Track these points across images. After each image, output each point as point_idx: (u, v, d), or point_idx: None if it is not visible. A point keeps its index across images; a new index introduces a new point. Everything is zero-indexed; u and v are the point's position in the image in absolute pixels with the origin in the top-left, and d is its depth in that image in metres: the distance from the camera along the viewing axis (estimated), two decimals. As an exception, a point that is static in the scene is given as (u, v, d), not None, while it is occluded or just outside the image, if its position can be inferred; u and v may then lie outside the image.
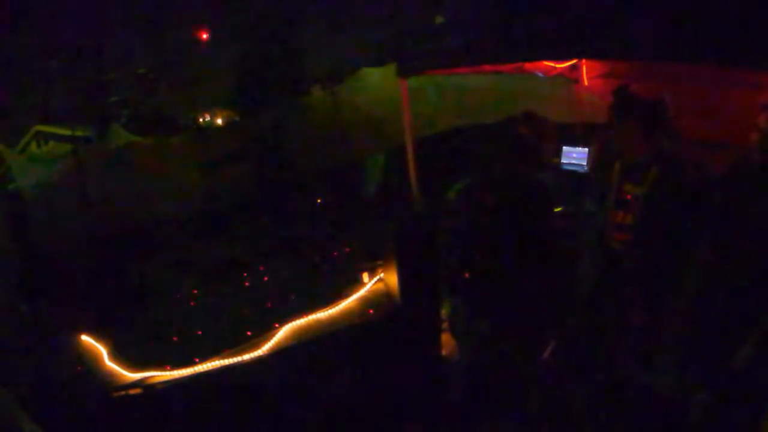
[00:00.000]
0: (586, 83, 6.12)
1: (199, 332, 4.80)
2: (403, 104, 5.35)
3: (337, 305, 4.81)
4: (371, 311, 4.75)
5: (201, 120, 22.16)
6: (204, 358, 4.18)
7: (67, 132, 18.15)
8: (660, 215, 3.34)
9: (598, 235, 3.71)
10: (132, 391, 3.91)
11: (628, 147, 3.50)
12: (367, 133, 8.24)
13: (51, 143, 20.43)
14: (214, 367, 4.11)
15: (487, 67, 5.68)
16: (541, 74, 5.88)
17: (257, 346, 4.32)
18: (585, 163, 6.30)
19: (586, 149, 6.29)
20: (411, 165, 5.44)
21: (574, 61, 5.87)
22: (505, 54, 4.94)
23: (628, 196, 3.50)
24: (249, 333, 4.56)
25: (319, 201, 8.43)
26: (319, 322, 4.66)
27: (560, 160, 6.52)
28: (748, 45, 4.07)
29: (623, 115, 3.47)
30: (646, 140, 3.42)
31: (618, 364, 3.70)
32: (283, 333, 4.50)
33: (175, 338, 4.71)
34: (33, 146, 21.11)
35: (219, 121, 21.59)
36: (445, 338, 4.68)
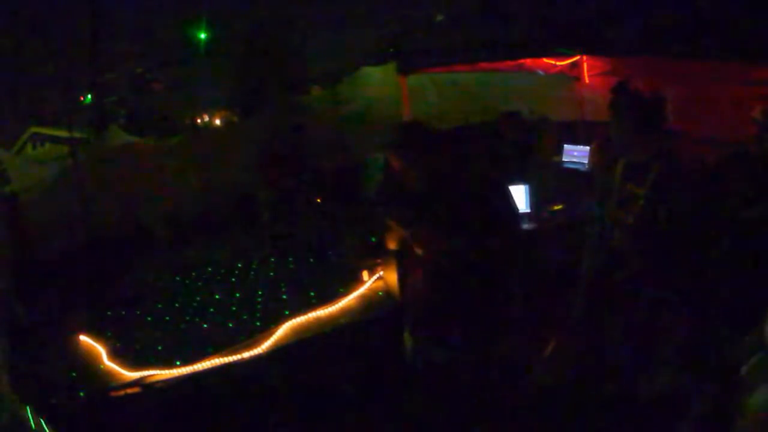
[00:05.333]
0: (587, 81, 6.13)
1: (199, 331, 4.77)
2: (403, 103, 5.34)
3: (336, 303, 4.78)
4: (371, 308, 4.72)
5: (199, 121, 22.14)
6: (203, 357, 4.15)
7: (63, 133, 18.12)
8: (659, 215, 3.31)
9: (599, 234, 3.67)
10: (131, 390, 3.87)
11: (629, 146, 3.43)
12: (367, 132, 8.19)
13: (47, 145, 20.36)
14: (213, 365, 4.07)
15: (488, 65, 5.67)
16: (541, 72, 5.88)
17: (256, 344, 4.28)
18: (586, 162, 6.30)
19: (587, 147, 6.29)
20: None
21: (575, 58, 5.88)
22: (505, 51, 4.93)
23: (629, 196, 3.46)
24: (248, 331, 4.54)
25: (318, 200, 8.39)
26: (318, 319, 4.63)
27: (561, 158, 6.53)
28: (746, 40, 4.06)
29: (624, 114, 3.39)
30: (648, 139, 3.36)
31: (616, 365, 3.68)
32: (282, 331, 4.46)
33: (174, 337, 4.68)
34: (28, 148, 21.03)
35: (217, 122, 21.55)
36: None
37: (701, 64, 4.70)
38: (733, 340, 2.91)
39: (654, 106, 3.38)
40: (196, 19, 17.66)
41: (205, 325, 4.84)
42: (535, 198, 5.32)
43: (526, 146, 6.20)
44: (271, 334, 4.39)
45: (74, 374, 4.25)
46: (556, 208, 5.28)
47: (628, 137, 3.39)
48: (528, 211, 5.30)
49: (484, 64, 5.57)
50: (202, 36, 17.33)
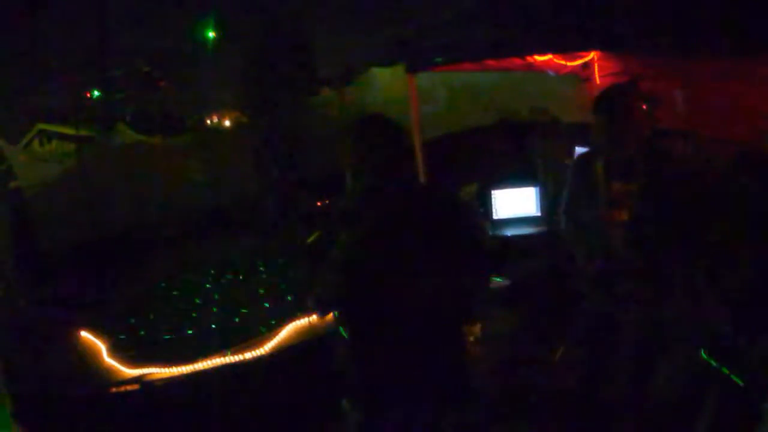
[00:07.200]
0: (598, 82, 6.02)
1: (201, 330, 4.72)
2: (411, 103, 5.26)
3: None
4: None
5: (208, 121, 22.06)
6: (204, 356, 4.09)
7: (70, 131, 18.13)
8: (657, 208, 3.26)
9: (592, 234, 3.61)
10: (130, 388, 3.82)
11: (609, 144, 3.36)
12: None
13: (54, 142, 20.39)
14: (214, 365, 4.01)
15: (496, 64, 5.58)
16: (552, 72, 5.80)
17: (259, 344, 4.22)
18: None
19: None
20: (420, 165, 5.34)
21: (586, 59, 5.78)
22: (515, 47, 4.85)
23: (619, 194, 3.40)
24: (251, 331, 4.48)
25: (327, 201, 8.33)
26: (323, 321, 4.55)
27: (573, 160, 6.43)
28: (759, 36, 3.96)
29: (595, 113, 3.35)
30: (626, 135, 3.30)
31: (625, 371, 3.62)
32: (285, 332, 4.40)
33: (175, 336, 4.63)
34: (35, 145, 21.04)
35: (227, 123, 21.46)
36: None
37: (715, 65, 4.60)
38: (747, 343, 2.83)
39: (621, 98, 3.36)
40: (204, 18, 17.64)
41: (207, 325, 4.79)
42: (545, 200, 5.24)
43: (527, 149, 6.11)
44: (274, 335, 4.33)
45: (74, 371, 4.21)
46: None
47: (601, 135, 3.33)
48: (538, 214, 5.22)
49: (491, 62, 5.49)
50: (211, 35, 17.28)
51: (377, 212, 2.37)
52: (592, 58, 5.78)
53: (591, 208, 3.50)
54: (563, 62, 5.71)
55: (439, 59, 5.16)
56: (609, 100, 3.32)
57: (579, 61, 5.75)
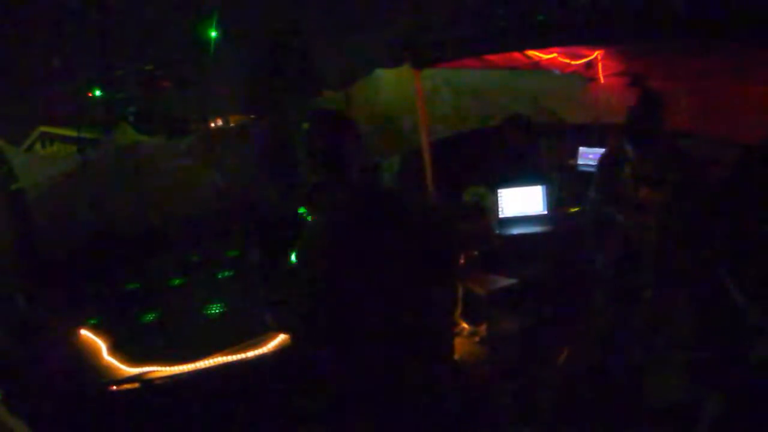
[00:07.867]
0: (602, 81, 5.99)
1: (201, 330, 4.69)
2: (417, 101, 5.21)
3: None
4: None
5: (212, 125, 22.03)
6: (205, 355, 4.05)
7: (72, 133, 18.14)
8: (685, 221, 3.25)
9: (618, 236, 3.60)
10: (129, 386, 3.78)
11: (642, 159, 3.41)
12: (381, 135, 8.04)
13: (56, 144, 20.44)
14: (214, 364, 3.97)
15: (500, 60, 5.54)
16: (556, 71, 5.77)
17: (259, 344, 4.18)
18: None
19: (603, 150, 6.17)
20: (427, 165, 5.29)
21: (590, 58, 5.75)
22: (524, 40, 4.82)
23: (646, 200, 3.43)
24: (251, 331, 4.43)
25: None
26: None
27: (577, 161, 6.41)
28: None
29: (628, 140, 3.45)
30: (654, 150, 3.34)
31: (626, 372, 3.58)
32: (288, 331, 4.35)
33: (176, 335, 4.60)
34: (37, 147, 21.09)
35: (231, 125, 21.42)
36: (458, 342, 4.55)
37: (720, 64, 4.56)
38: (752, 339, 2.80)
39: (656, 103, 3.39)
40: (206, 18, 17.66)
41: (208, 324, 4.76)
42: (552, 199, 5.22)
43: (533, 148, 6.08)
44: (275, 335, 4.28)
45: (74, 369, 4.18)
46: (572, 210, 5.18)
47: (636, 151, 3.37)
48: (545, 212, 5.20)
49: (497, 60, 5.45)
50: (213, 34, 17.26)
51: (327, 214, 2.27)
52: (596, 57, 5.75)
53: (617, 209, 3.52)
54: (567, 61, 5.68)
55: (444, 54, 5.12)
56: (639, 130, 3.35)
57: (583, 60, 5.72)
